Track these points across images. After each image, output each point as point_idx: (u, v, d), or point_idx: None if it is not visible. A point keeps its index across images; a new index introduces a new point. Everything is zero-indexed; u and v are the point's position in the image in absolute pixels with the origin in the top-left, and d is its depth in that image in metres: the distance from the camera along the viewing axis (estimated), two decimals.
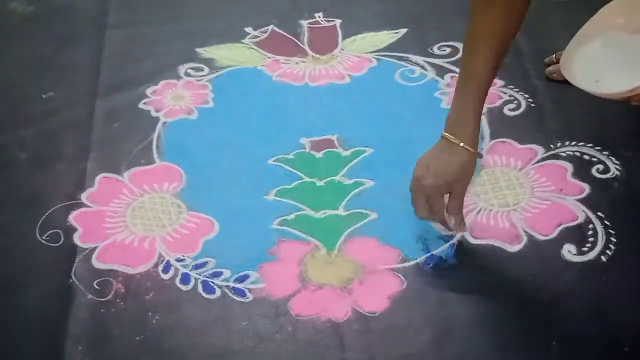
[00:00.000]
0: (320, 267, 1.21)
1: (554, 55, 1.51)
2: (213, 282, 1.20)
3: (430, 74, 1.55)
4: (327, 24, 1.69)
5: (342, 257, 1.23)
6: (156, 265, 1.22)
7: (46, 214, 1.29)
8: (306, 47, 1.63)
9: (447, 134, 1.15)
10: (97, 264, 1.22)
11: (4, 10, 1.76)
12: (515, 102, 1.48)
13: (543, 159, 1.36)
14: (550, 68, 1.50)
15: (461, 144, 1.14)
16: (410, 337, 1.12)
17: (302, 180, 1.35)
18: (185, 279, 1.20)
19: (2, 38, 1.70)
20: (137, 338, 1.13)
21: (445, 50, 1.60)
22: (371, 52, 1.61)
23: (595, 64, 1.12)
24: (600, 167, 1.33)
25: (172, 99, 1.52)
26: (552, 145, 1.38)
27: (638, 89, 1.06)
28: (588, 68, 1.12)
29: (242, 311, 1.16)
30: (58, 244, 1.25)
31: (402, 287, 1.18)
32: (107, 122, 1.47)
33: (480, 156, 1.18)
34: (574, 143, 1.38)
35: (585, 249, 1.22)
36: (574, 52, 1.14)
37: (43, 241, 1.26)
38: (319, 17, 1.71)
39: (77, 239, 1.26)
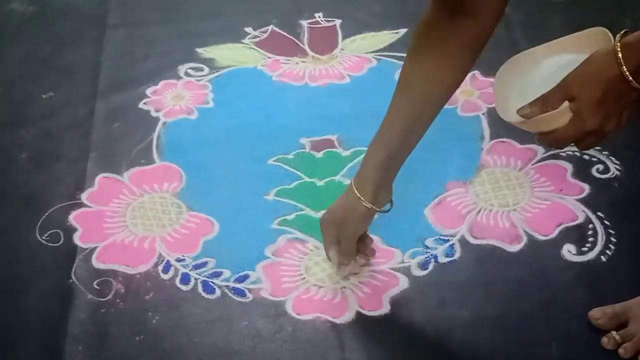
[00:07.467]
0: (320, 267, 1.21)
1: None
2: (213, 282, 1.20)
3: None
4: (327, 24, 1.69)
5: None
6: (156, 265, 1.22)
7: (46, 214, 1.29)
8: (306, 47, 1.63)
9: (354, 183, 1.10)
10: (97, 264, 1.22)
11: (4, 10, 1.76)
12: None
13: (543, 159, 1.36)
14: None
15: (362, 200, 1.09)
16: (410, 337, 1.13)
17: (302, 180, 1.35)
18: (185, 279, 1.20)
19: (2, 38, 1.70)
20: (137, 338, 1.13)
21: None
22: (371, 52, 1.61)
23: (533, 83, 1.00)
24: (600, 167, 1.33)
25: (172, 99, 1.52)
26: None
27: (521, 124, 0.98)
28: (525, 85, 1.01)
29: (242, 311, 1.16)
30: (58, 244, 1.25)
31: (402, 287, 1.18)
32: (107, 122, 1.47)
33: (385, 211, 1.13)
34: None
35: (585, 249, 1.22)
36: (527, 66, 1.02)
37: (43, 241, 1.26)
38: (319, 17, 1.71)
39: (77, 239, 1.26)
